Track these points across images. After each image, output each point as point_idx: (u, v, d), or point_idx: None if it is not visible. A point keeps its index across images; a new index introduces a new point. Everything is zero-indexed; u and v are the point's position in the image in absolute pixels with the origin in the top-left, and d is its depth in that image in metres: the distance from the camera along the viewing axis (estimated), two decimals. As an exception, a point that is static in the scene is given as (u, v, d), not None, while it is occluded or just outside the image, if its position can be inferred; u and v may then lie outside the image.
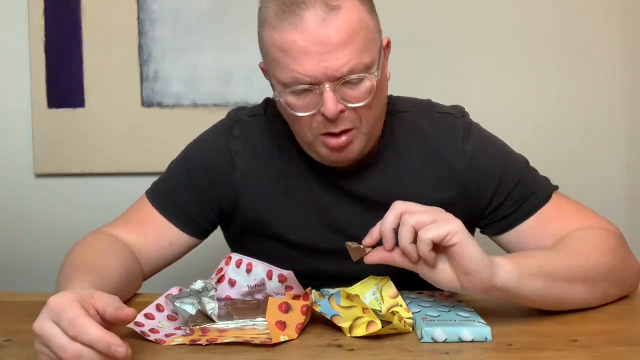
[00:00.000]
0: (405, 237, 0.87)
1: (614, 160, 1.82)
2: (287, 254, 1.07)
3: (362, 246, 0.92)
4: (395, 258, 0.90)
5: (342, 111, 0.98)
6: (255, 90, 1.76)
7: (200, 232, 1.16)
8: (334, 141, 1.01)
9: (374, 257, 0.92)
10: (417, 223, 0.86)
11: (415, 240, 0.87)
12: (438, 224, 0.86)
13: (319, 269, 1.05)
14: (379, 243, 0.91)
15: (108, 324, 0.77)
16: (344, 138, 1.01)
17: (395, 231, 0.89)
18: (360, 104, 0.98)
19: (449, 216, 0.88)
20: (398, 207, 0.89)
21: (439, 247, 0.87)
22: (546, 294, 0.92)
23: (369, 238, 0.92)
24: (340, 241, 0.98)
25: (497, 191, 1.09)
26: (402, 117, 1.12)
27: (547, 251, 0.99)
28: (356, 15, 0.96)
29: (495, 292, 0.89)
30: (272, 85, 1.04)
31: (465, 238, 0.86)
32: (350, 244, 0.93)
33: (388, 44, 1.06)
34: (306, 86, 0.96)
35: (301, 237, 1.11)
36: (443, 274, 0.88)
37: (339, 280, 1.00)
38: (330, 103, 0.96)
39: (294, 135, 1.07)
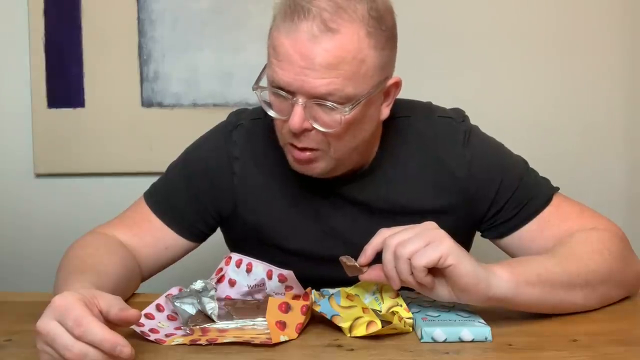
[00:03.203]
0: (403, 270, 0.87)
1: (614, 160, 1.82)
2: (287, 261, 1.06)
3: (357, 265, 0.93)
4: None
5: (308, 130, 0.97)
6: (255, 90, 1.76)
7: (198, 237, 1.15)
8: (296, 153, 1.01)
9: (370, 275, 0.93)
10: (410, 253, 0.87)
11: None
12: (429, 248, 0.86)
13: (319, 276, 1.04)
14: (375, 259, 0.92)
15: (111, 324, 0.77)
16: (306, 154, 1.00)
17: (379, 253, 0.90)
18: (326, 130, 0.97)
19: (439, 234, 0.88)
20: (383, 233, 0.91)
21: (434, 268, 0.87)
22: (544, 301, 0.92)
23: (363, 258, 0.92)
24: (340, 248, 0.98)
25: (497, 196, 1.08)
26: (401, 122, 1.11)
27: (545, 257, 0.98)
28: (353, 44, 0.93)
29: (493, 302, 0.90)
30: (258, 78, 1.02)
31: (458, 257, 0.87)
32: (345, 261, 0.93)
33: (396, 84, 1.02)
34: (282, 92, 0.96)
35: (300, 244, 1.11)
36: (440, 292, 0.90)
37: (339, 286, 1.00)
38: (296, 118, 0.95)
39: None
